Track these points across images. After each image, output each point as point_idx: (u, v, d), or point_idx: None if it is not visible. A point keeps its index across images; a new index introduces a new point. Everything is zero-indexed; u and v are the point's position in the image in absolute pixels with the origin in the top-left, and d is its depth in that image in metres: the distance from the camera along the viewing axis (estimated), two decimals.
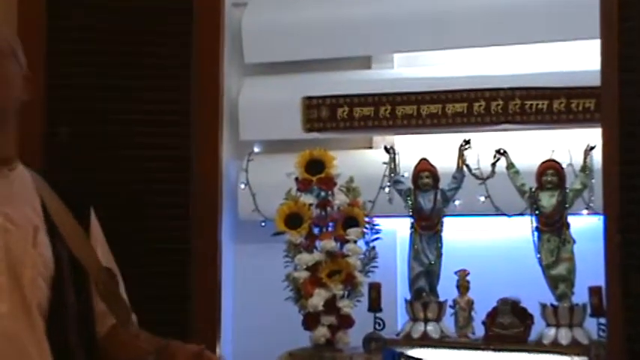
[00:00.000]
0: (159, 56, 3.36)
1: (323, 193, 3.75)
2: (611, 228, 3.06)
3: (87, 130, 3.29)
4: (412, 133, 4.10)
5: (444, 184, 3.74)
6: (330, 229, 3.72)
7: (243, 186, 4.07)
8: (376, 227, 3.73)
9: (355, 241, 3.68)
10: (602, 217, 3.19)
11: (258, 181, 4.07)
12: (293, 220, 3.70)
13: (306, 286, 3.62)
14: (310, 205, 3.73)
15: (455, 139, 3.82)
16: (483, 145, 3.77)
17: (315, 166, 3.74)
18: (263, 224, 3.98)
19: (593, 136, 3.50)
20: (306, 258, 3.65)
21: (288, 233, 3.70)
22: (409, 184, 3.76)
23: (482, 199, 3.76)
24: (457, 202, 3.76)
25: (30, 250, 2.05)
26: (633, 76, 3.02)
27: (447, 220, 3.72)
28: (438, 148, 4.00)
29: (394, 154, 3.79)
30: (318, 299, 3.59)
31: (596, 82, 3.20)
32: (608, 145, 3.09)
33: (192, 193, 3.38)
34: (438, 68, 4.15)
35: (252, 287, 4.12)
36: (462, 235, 3.92)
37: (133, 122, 3.35)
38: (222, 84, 3.48)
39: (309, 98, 4.11)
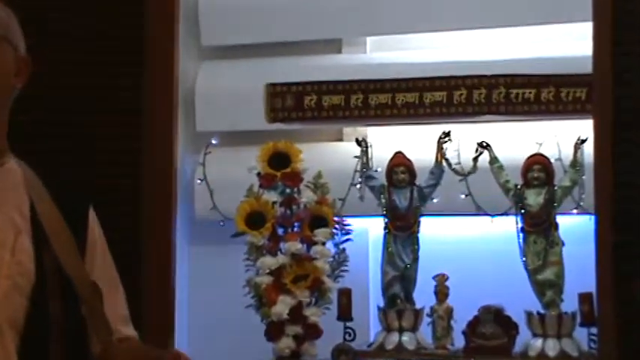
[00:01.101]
0: (106, 37, 3.31)
1: (288, 190, 3.74)
2: (603, 229, 3.07)
3: (26, 118, 3.23)
4: (386, 125, 4.08)
5: (420, 180, 3.74)
6: (295, 229, 3.71)
7: (199, 182, 4.05)
8: (346, 227, 3.73)
9: (323, 243, 3.68)
10: (593, 217, 3.20)
11: (216, 176, 4.06)
12: (255, 220, 3.68)
13: (269, 292, 3.61)
14: (274, 203, 3.72)
15: (433, 130, 3.82)
16: (464, 138, 3.78)
17: (280, 160, 3.73)
18: (221, 224, 3.96)
19: (584, 128, 3.51)
20: (269, 261, 3.64)
21: (249, 234, 3.69)
22: (383, 181, 3.76)
23: (463, 196, 3.76)
24: (435, 200, 3.76)
25: (7, 257, 2.02)
26: (628, 62, 3.02)
27: (424, 220, 3.72)
28: (415, 141, 4.00)
29: (366, 147, 3.79)
30: (282, 307, 3.58)
31: (587, 69, 3.21)
32: (601, 138, 3.10)
33: (142, 189, 3.34)
34: (414, 53, 4.15)
35: (210, 294, 4.10)
36: (441, 237, 3.92)
37: (76, 109, 3.29)
38: (177, 69, 3.45)
39: (273, 85, 4.08)
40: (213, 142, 4.11)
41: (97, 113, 3.30)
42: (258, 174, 3.75)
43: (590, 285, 3.23)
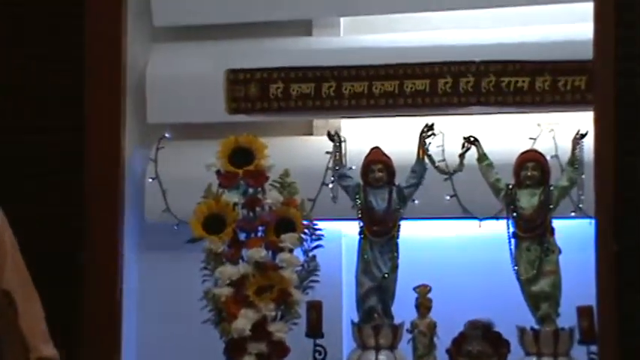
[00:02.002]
0: (42, 14, 3.28)
1: (251, 190, 3.72)
2: (604, 235, 3.09)
3: None
4: (362, 116, 4.08)
5: (400, 179, 3.73)
6: (259, 234, 3.70)
7: (151, 180, 4.03)
8: (317, 232, 3.72)
9: (291, 250, 3.66)
10: (593, 221, 3.21)
11: (170, 174, 4.04)
12: (213, 224, 3.66)
13: (229, 305, 3.59)
14: (235, 204, 3.70)
15: (415, 123, 3.82)
16: (450, 132, 3.77)
17: (242, 157, 3.71)
18: (175, 228, 3.95)
19: (583, 120, 3.52)
20: (229, 271, 3.62)
21: (207, 240, 3.66)
22: (358, 179, 3.75)
23: (448, 198, 3.77)
24: (417, 202, 3.76)
25: None
26: (633, 49, 3.03)
27: (404, 224, 3.71)
28: (394, 135, 3.99)
29: (340, 141, 3.78)
30: (244, 322, 3.57)
31: (587, 54, 3.22)
32: (602, 133, 3.11)
33: (85, 189, 3.32)
34: (394, 36, 4.14)
35: (162, 307, 4.09)
36: (423, 243, 3.91)
37: (12, 100, 3.26)
38: (125, 52, 3.43)
39: (235, 72, 4.07)
40: (167, 135, 4.09)
41: (31, 102, 3.27)
42: (218, 172, 3.73)
43: (590, 297, 3.24)
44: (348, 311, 3.87)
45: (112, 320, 3.25)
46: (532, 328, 3.54)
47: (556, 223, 3.59)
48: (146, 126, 4.18)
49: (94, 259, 3.24)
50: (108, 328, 3.23)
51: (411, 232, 3.79)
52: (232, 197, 3.70)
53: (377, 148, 3.75)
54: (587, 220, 3.47)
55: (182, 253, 3.82)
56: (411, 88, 3.94)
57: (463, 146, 3.69)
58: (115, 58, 3.31)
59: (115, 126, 3.33)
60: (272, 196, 3.72)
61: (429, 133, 3.71)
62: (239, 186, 3.71)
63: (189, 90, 4.15)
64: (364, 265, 3.67)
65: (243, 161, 3.71)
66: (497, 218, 3.71)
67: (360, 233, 3.71)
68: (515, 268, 3.58)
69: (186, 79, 4.17)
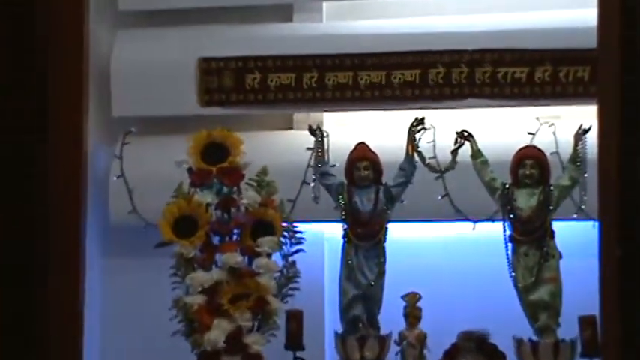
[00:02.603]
0: None
1: (225, 190, 3.72)
2: (608, 238, 3.08)
3: None
4: (347, 109, 4.10)
5: (388, 177, 3.73)
6: (234, 237, 3.69)
7: (116, 179, 4.03)
8: (297, 235, 3.73)
9: (269, 255, 3.66)
10: (597, 224, 3.21)
11: (136, 172, 4.04)
12: (184, 226, 3.66)
13: (201, 315, 3.59)
14: (208, 205, 3.70)
15: (403, 117, 3.82)
16: (441, 127, 3.77)
17: (215, 153, 3.71)
18: (143, 230, 3.95)
19: (586, 114, 3.53)
20: (201, 277, 3.61)
21: (178, 243, 3.66)
22: (342, 178, 3.75)
23: (440, 198, 3.78)
24: (405, 203, 3.75)
25: None
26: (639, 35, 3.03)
27: (391, 227, 3.71)
28: (381, 130, 4.00)
29: (322, 136, 3.77)
30: (217, 333, 3.56)
31: (591, 43, 3.23)
32: (607, 127, 3.11)
33: (44, 189, 3.29)
34: (380, 22, 4.16)
35: (128, 317, 4.10)
36: (412, 247, 3.94)
37: None
38: (88, 39, 3.40)
39: (207, 60, 4.09)
40: (133, 130, 4.07)
41: None
42: (189, 170, 3.73)
43: (593, 306, 3.22)
44: (331, 321, 3.89)
45: (73, 332, 3.22)
46: (530, 340, 3.55)
47: (556, 226, 3.60)
48: (111, 119, 4.19)
49: (53, 266, 3.21)
50: (69, 340, 3.20)
51: (400, 235, 3.80)
52: (205, 197, 3.69)
53: (362, 144, 3.75)
54: (590, 223, 3.47)
55: (150, 259, 3.80)
56: (400, 78, 3.96)
57: (456, 142, 3.69)
58: (76, 46, 3.28)
59: (77, 119, 3.30)
60: (248, 196, 3.71)
61: (419, 127, 3.70)
62: (212, 185, 3.71)
63: (158, 80, 4.15)
64: (348, 271, 3.67)
65: (216, 158, 3.71)
66: (492, 220, 3.73)
67: (343, 236, 3.70)
68: (512, 274, 3.58)
69: (154, 68, 4.18)
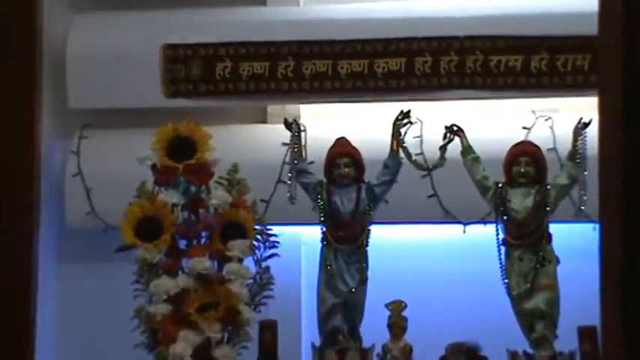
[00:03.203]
0: None
1: (193, 189, 3.71)
2: (609, 241, 3.08)
3: None
4: (325, 101, 4.12)
5: (370, 175, 3.73)
6: (203, 241, 3.69)
7: (72, 177, 4.05)
8: (272, 239, 3.72)
9: (240, 260, 3.65)
10: (597, 226, 3.22)
11: (95, 169, 4.06)
12: (148, 229, 3.65)
13: (166, 326, 3.58)
14: (174, 205, 3.69)
15: (388, 110, 3.84)
16: (429, 120, 3.84)
17: (182, 149, 3.70)
18: (103, 233, 3.96)
19: (586, 107, 3.58)
20: (166, 284, 3.60)
21: (141, 247, 3.64)
22: (320, 176, 3.75)
23: (427, 198, 3.83)
24: (390, 203, 3.77)
25: None
26: None
27: (374, 229, 3.70)
28: (363, 124, 4.02)
29: (299, 131, 3.76)
30: (183, 346, 3.55)
31: (591, 29, 3.23)
32: (608, 121, 3.11)
33: None
34: (362, 6, 4.17)
35: (86, 329, 4.10)
36: (397, 252, 3.96)
37: None
38: (41, 23, 3.38)
39: (173, 47, 4.09)
40: (91, 123, 4.10)
41: None
42: (153, 167, 3.72)
43: (593, 316, 3.22)
44: (308, 332, 3.90)
45: (24, 346, 3.20)
46: (525, 353, 3.56)
47: (554, 228, 3.61)
48: (66, 111, 4.18)
49: (2, 272, 3.18)
50: (19, 356, 3.17)
51: (383, 238, 3.81)
52: (170, 197, 3.68)
53: (343, 139, 3.75)
54: (590, 225, 3.50)
55: (110, 264, 3.83)
56: (384, 68, 3.97)
57: (445, 137, 3.69)
58: (27, 29, 3.25)
59: (29, 111, 3.27)
60: (218, 196, 3.70)
61: (405, 121, 3.70)
62: (179, 183, 3.70)
63: (119, 69, 4.16)
64: (327, 278, 3.68)
65: (183, 154, 3.70)
66: (484, 222, 3.76)
67: (322, 240, 3.70)
68: (506, 281, 3.59)
69: (114, 55, 4.18)
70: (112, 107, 4.18)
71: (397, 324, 3.63)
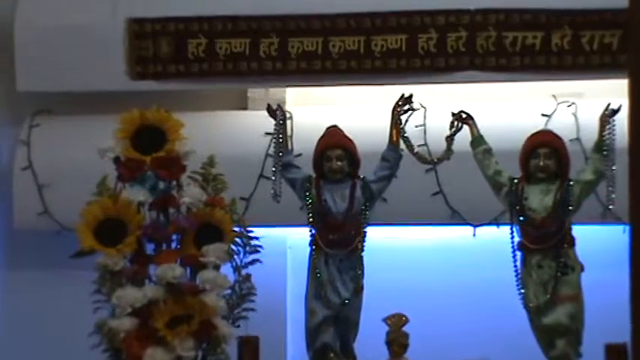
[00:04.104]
0: None
1: (162, 185, 3.69)
2: None
3: None
4: (315, 85, 4.13)
5: (367, 170, 3.72)
6: (174, 245, 3.68)
7: (21, 171, 4.07)
8: (253, 243, 3.72)
9: (217, 267, 3.64)
10: (627, 228, 3.21)
11: (48, 162, 4.07)
12: (110, 231, 3.63)
13: (130, 343, 3.55)
14: (140, 204, 3.67)
15: (386, 94, 3.85)
16: (434, 107, 3.84)
17: (150, 139, 3.68)
18: (56, 236, 3.96)
19: (615, 91, 3.57)
20: (131, 295, 3.57)
21: (101, 252, 3.62)
22: (309, 170, 3.74)
23: (431, 196, 3.85)
24: (389, 202, 3.81)
25: None
26: None
27: (371, 232, 3.69)
28: (358, 111, 4.04)
29: (284, 118, 3.75)
30: None
31: (621, 2, 3.22)
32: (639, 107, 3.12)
33: None
34: None
35: (36, 345, 4.09)
36: (397, 257, 3.98)
37: None
38: None
39: (139, 22, 4.09)
40: (44, 109, 4.11)
41: None
42: (116, 159, 3.70)
43: (622, 332, 3.23)
44: (295, 350, 3.94)
45: None
46: None
47: (577, 231, 3.60)
48: (15, 95, 4.20)
49: None
50: None
51: (382, 241, 3.85)
52: (136, 194, 3.66)
53: (334, 127, 3.74)
54: (620, 227, 3.54)
55: (65, 271, 3.84)
56: (382, 46, 3.98)
57: (452, 126, 3.68)
58: None
59: None
60: (191, 194, 3.69)
61: (406, 107, 3.69)
62: (145, 179, 3.68)
63: (76, 47, 4.16)
64: (317, 287, 3.67)
65: (151, 145, 3.68)
66: (497, 224, 3.79)
67: (311, 244, 3.70)
68: (522, 291, 3.59)
69: (70, 31, 4.18)
70: (68, 90, 4.19)
71: (397, 341, 3.63)
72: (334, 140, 3.72)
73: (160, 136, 3.69)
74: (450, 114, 3.69)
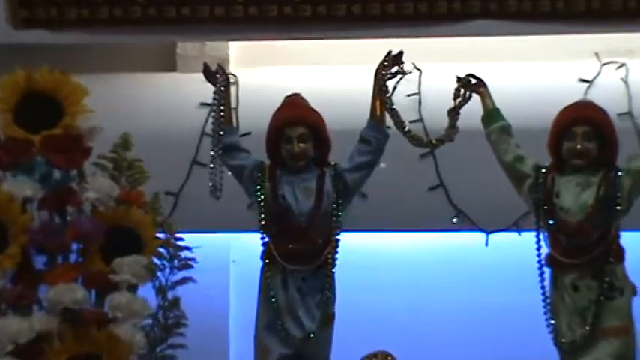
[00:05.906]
0: None
1: (58, 175, 3.58)
2: None
3: None
4: (267, 38, 4.02)
5: (341, 154, 3.63)
6: (73, 258, 3.56)
7: None
8: (184, 255, 3.71)
9: (133, 287, 3.52)
10: None
11: None
12: None
13: None
14: (27, 200, 3.54)
15: (367, 52, 3.77)
16: (432, 69, 3.82)
17: (40, 110, 3.58)
18: None
19: None
20: (13, 327, 3.45)
21: None
22: (260, 156, 3.64)
23: (428, 191, 3.80)
24: (370, 198, 3.76)
25: None
26: None
27: (347, 239, 3.59)
28: (328, 74, 4.00)
29: (227, 83, 3.67)
30: None
31: None
32: None
33: None
34: None
35: None
36: (384, 274, 3.93)
37: None
38: None
39: None
40: None
41: None
42: None
43: None
44: None
45: None
46: None
47: (627, 239, 3.50)
48: None
49: None
50: None
51: (361, 252, 3.80)
52: (21, 187, 3.55)
53: (296, 96, 3.65)
54: None
55: None
56: None
57: (457, 95, 3.58)
58: None
59: None
60: (98, 186, 3.57)
61: (394, 70, 3.61)
62: (34, 166, 3.57)
63: None
64: (272, 316, 3.57)
65: (41, 119, 3.57)
66: (517, 230, 3.72)
67: (262, 256, 3.58)
68: (552, 322, 3.48)
69: None
70: None
71: None
72: (295, 114, 3.62)
73: (53, 107, 3.58)
74: (455, 79, 3.61)
